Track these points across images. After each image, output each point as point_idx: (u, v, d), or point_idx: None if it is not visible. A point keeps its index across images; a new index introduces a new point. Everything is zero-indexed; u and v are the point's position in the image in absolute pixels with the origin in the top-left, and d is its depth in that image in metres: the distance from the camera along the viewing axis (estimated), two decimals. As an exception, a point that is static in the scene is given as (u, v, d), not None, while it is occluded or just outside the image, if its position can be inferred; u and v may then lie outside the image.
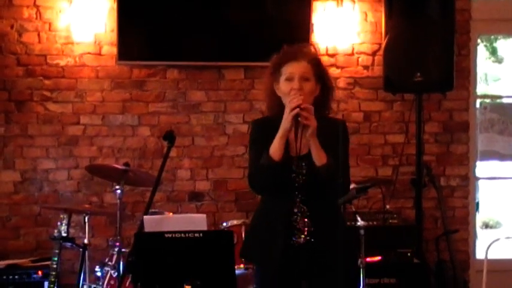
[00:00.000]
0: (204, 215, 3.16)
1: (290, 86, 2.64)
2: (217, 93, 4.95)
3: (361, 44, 5.03)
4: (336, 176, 2.65)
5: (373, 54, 5.03)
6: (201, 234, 2.76)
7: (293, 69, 2.66)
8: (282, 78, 2.68)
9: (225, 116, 4.96)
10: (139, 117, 4.91)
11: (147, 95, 4.92)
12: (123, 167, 4.04)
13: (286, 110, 2.58)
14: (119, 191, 3.99)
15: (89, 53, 4.85)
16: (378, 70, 4.93)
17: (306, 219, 2.67)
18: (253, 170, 2.70)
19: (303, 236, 2.67)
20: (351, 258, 2.84)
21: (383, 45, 4.62)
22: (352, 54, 5.02)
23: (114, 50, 4.77)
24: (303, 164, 2.66)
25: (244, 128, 4.92)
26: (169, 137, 3.19)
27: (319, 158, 2.62)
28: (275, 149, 2.61)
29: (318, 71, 2.69)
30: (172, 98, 4.92)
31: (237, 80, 4.97)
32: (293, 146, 2.66)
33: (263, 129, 2.71)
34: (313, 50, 2.82)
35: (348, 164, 2.78)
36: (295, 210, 2.67)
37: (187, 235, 2.76)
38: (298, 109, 2.54)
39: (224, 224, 4.13)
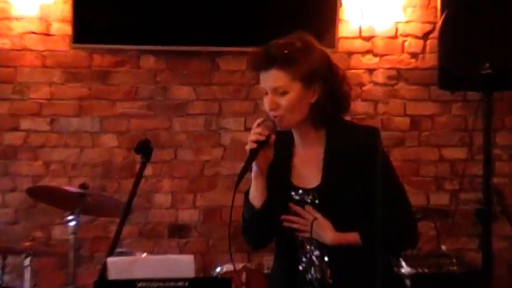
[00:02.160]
0: (192, 257, 3.01)
1: (266, 103, 2.64)
2: (209, 89, 4.97)
3: (407, 23, 5.07)
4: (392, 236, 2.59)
5: (425, 37, 5.07)
6: (187, 283, 2.72)
7: (263, 82, 2.64)
8: (263, 93, 2.68)
9: (220, 120, 4.98)
10: (101, 121, 4.93)
11: (113, 90, 4.93)
12: (79, 190, 4.07)
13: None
14: (72, 223, 4.02)
15: (32, 33, 4.89)
16: (430, 59, 4.96)
17: (320, 269, 2.67)
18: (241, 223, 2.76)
19: None
20: None
21: (438, 25, 4.40)
22: (395, 37, 5.09)
23: (68, 29, 4.81)
24: (311, 197, 2.67)
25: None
26: (144, 148, 3.17)
27: (354, 243, 2.63)
28: (252, 194, 2.64)
29: (305, 71, 2.60)
30: (147, 95, 4.94)
31: (237, 72, 4.98)
32: (298, 175, 2.69)
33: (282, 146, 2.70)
34: (287, 44, 2.64)
35: (405, 198, 2.71)
36: (304, 259, 2.70)
37: (168, 284, 2.72)
38: (252, 145, 2.58)
39: (218, 269, 4.16)
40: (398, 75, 5.09)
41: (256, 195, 2.62)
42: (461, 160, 4.99)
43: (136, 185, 3.09)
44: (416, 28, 5.09)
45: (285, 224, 2.66)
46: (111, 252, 3.10)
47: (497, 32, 4.28)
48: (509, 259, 5.04)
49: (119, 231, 3.06)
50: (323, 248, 2.65)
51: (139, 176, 3.11)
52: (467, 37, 4.28)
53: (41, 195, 4.45)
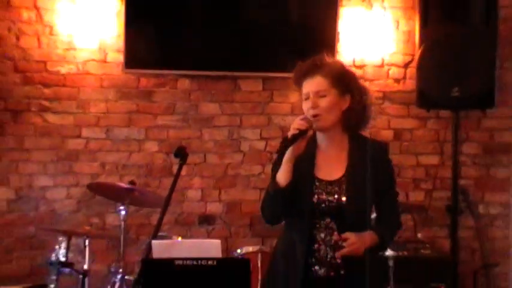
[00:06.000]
0: (219, 241, 3.21)
1: (306, 105, 2.71)
2: (232, 105, 5.06)
3: (392, 55, 5.14)
4: (396, 232, 2.85)
5: (406, 66, 5.13)
6: (215, 262, 2.75)
7: (307, 87, 2.71)
8: (302, 98, 2.75)
9: (241, 131, 5.06)
10: (146, 131, 5.02)
11: (155, 106, 5.02)
12: (128, 186, 4.13)
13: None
14: (123, 212, 4.10)
15: (93, 60, 4.98)
16: (410, 84, 5.00)
17: (329, 250, 2.68)
18: (262, 199, 2.79)
19: (324, 268, 2.68)
20: None
21: (416, 56, 4.65)
22: (382, 66, 5.12)
23: (121, 57, 4.89)
24: (331, 189, 2.70)
25: (261, 144, 5.07)
26: (181, 153, 3.21)
27: (371, 246, 2.69)
28: (280, 174, 2.66)
29: (341, 81, 2.70)
30: (182, 110, 5.03)
31: (255, 92, 5.07)
32: (321, 168, 2.73)
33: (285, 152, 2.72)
34: (329, 60, 2.75)
35: (397, 199, 2.86)
36: (317, 239, 2.69)
37: (199, 262, 2.75)
38: (295, 131, 2.61)
39: (238, 251, 4.19)
40: (384, 96, 5.14)
41: (283, 175, 2.63)
42: (434, 165, 5.07)
43: (174, 182, 3.13)
44: (399, 59, 5.15)
45: (338, 255, 2.65)
46: (154, 236, 3.13)
47: (464, 63, 4.46)
48: (472, 246, 5.04)
49: (161, 219, 3.07)
50: (335, 231, 2.67)
51: (177, 176, 3.14)
52: (440, 66, 4.50)
53: (98, 189, 4.52)
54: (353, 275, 2.64)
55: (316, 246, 2.68)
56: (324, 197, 2.68)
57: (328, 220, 2.68)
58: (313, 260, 2.68)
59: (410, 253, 4.58)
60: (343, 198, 2.66)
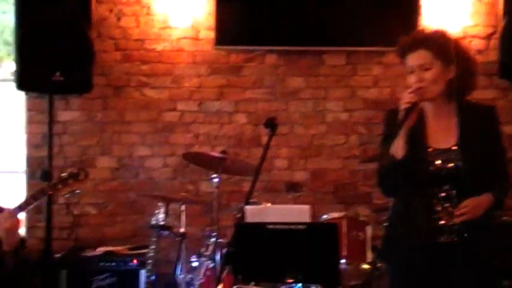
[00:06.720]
0: (307, 206, 3.24)
1: (412, 79, 2.67)
2: (317, 79, 5.11)
3: (474, 27, 5.08)
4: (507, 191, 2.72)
5: (488, 37, 5.08)
6: (304, 226, 2.83)
7: (411, 61, 2.66)
8: (407, 71, 2.70)
9: (325, 103, 5.11)
10: (235, 104, 5.13)
11: (244, 80, 5.13)
12: (220, 155, 4.19)
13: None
14: (215, 180, 4.15)
15: (186, 38, 5.10)
16: (492, 55, 4.94)
17: (449, 216, 2.62)
18: (378, 172, 2.75)
19: (446, 234, 2.63)
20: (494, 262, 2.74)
21: (499, 28, 4.62)
22: (464, 38, 5.01)
23: (212, 35, 5.01)
24: (447, 156, 2.64)
25: (345, 116, 5.12)
26: (271, 124, 3.23)
27: (488, 207, 2.64)
28: (395, 146, 2.61)
29: (444, 52, 2.63)
30: (270, 84, 5.13)
31: (338, 66, 5.11)
32: (433, 138, 2.69)
33: (393, 124, 2.66)
34: (431, 31, 2.70)
35: (506, 157, 2.76)
36: (437, 207, 2.64)
37: (290, 227, 2.85)
38: (407, 105, 2.58)
39: (324, 217, 4.18)
40: (467, 68, 5.04)
41: (400, 148, 2.59)
42: (516, 134, 4.99)
43: (265, 152, 3.18)
44: (481, 31, 5.10)
45: (457, 214, 2.59)
46: (246, 202, 3.22)
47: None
48: None
49: (253, 186, 3.15)
50: (455, 197, 2.62)
51: (267, 146, 3.17)
52: (524, 38, 4.48)
53: (192, 159, 4.60)
54: (475, 238, 2.58)
55: (436, 214, 2.64)
56: (440, 165, 2.64)
57: (447, 187, 2.64)
58: (434, 227, 2.63)
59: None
60: (461, 164, 2.60)
